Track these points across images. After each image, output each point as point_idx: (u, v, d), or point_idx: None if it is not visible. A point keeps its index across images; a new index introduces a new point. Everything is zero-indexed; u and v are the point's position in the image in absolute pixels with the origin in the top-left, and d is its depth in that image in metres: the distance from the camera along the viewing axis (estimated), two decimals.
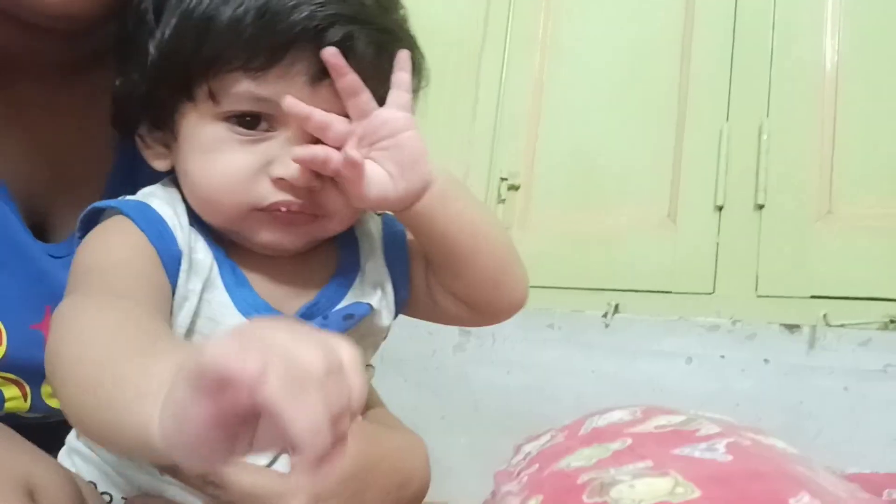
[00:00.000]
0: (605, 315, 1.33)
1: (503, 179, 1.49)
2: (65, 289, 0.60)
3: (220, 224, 0.58)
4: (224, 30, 0.53)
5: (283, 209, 0.56)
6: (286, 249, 0.59)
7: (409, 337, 1.33)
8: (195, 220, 0.59)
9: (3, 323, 0.61)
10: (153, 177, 0.61)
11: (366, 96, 0.55)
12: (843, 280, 1.18)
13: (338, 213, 0.58)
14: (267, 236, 0.57)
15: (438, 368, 1.45)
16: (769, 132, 1.25)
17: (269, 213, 0.56)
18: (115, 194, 0.63)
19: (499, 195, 1.49)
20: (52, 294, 0.62)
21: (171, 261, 0.55)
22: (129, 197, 0.59)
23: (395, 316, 0.66)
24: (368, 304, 0.61)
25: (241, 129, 0.55)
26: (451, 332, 1.43)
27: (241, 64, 0.53)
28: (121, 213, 0.57)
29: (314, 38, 0.53)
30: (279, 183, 0.55)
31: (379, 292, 0.62)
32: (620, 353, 1.31)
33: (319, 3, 0.53)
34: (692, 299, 1.28)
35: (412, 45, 0.59)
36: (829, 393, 1.18)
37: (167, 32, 0.55)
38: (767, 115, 1.26)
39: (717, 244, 1.28)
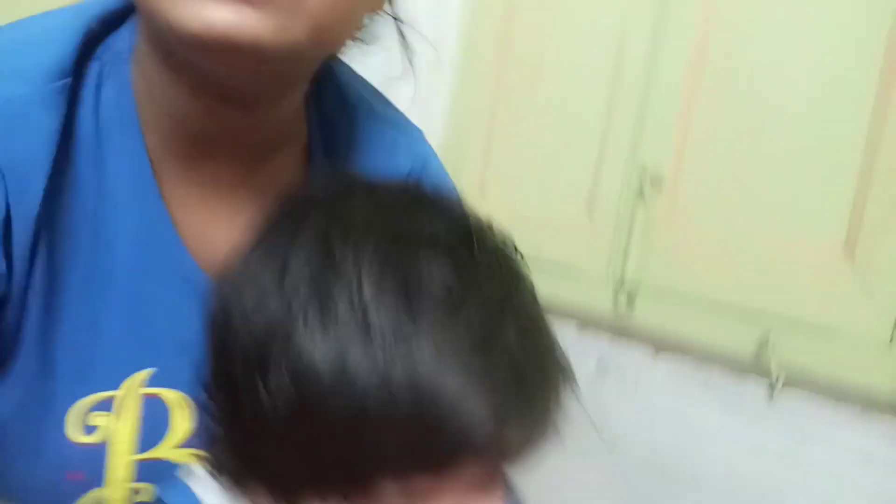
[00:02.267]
0: (770, 385, 1.10)
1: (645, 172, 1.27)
2: None
3: None
4: (377, 432, 0.37)
5: None
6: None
7: None
8: None
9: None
10: None
11: None
12: None
13: None
14: None
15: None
16: None
17: None
18: None
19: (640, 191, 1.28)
20: None
21: None
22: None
23: None
24: None
25: None
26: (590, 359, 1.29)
27: (396, 471, 0.39)
28: None
29: (488, 446, 0.39)
30: None
31: None
32: (788, 430, 1.08)
33: (498, 401, 0.38)
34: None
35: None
36: None
37: (283, 413, 0.38)
38: None
39: None
